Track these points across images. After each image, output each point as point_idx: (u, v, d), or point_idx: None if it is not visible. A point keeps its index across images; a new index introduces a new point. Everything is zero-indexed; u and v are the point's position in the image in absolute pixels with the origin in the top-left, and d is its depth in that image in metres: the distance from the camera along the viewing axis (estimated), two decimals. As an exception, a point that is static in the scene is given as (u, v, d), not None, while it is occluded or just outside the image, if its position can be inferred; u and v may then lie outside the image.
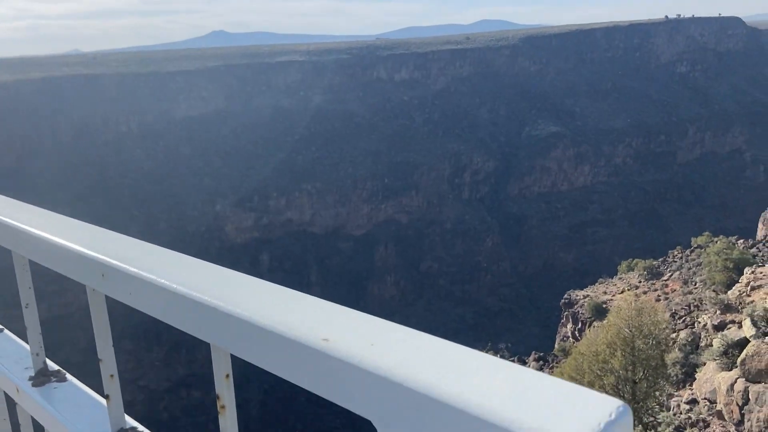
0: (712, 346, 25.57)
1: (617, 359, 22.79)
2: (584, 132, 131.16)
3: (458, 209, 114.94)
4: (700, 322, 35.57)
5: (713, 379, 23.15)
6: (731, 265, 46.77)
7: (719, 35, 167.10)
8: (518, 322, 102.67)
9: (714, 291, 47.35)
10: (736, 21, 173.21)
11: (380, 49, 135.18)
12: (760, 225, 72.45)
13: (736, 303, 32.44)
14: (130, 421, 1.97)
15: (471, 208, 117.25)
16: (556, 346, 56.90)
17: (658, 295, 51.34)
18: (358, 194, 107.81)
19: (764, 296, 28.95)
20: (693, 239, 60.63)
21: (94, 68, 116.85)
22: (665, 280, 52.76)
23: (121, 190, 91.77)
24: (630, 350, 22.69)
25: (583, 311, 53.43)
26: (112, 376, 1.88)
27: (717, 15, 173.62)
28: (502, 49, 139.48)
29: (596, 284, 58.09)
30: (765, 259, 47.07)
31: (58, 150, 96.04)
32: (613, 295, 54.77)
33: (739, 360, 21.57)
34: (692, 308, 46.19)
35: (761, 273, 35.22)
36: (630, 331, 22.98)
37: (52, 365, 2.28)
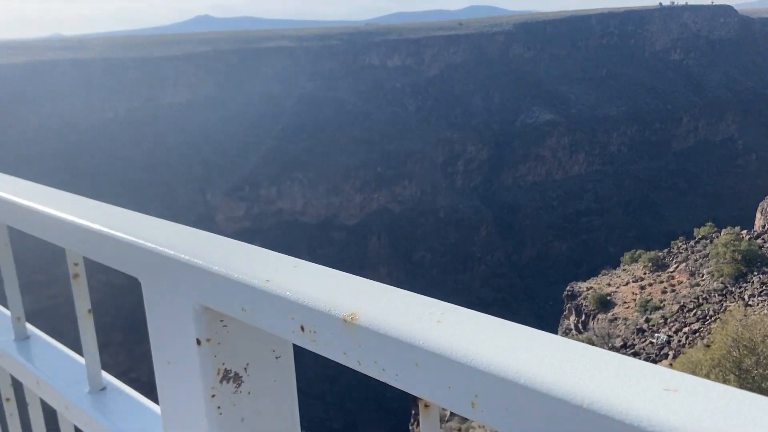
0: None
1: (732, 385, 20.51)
2: (579, 120, 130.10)
3: (452, 198, 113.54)
4: None
5: None
6: (739, 257, 45.92)
7: (712, 23, 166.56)
8: (513, 313, 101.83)
9: (722, 283, 46.49)
10: (728, 9, 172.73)
11: (372, 35, 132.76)
12: (758, 215, 71.73)
13: None
14: (108, 378, 2.10)
15: (465, 197, 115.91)
16: (558, 339, 55.78)
17: (665, 288, 50.40)
18: (350, 183, 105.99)
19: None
20: (696, 230, 59.76)
21: (79, 53, 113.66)
22: (671, 272, 51.85)
23: (109, 178, 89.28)
24: (741, 373, 20.01)
25: (587, 303, 52.44)
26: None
27: (710, 3, 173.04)
28: (496, 35, 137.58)
29: (599, 276, 57.11)
30: (774, 251, 46.16)
31: (44, 136, 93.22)
32: (618, 287, 53.83)
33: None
34: (701, 301, 45.29)
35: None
36: (739, 351, 20.42)
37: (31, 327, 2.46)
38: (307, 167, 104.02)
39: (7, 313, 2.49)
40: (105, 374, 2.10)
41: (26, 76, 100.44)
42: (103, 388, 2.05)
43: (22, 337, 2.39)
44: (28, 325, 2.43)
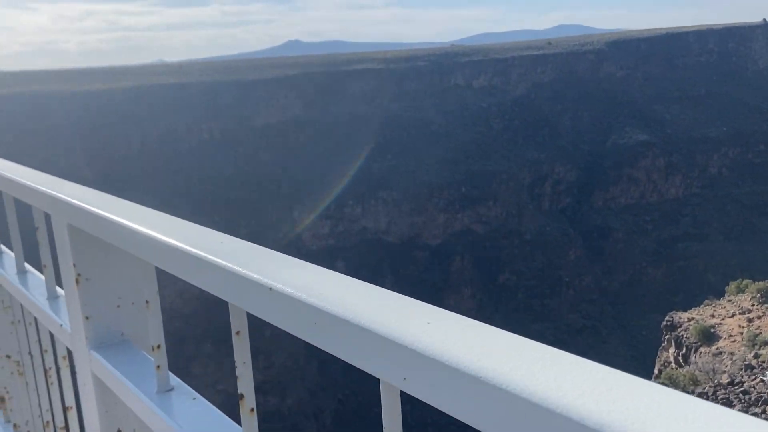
0: None
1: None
2: (675, 141, 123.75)
3: (538, 220, 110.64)
4: None
5: None
6: None
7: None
8: (602, 341, 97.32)
9: None
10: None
11: (458, 56, 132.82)
12: None
13: None
14: (175, 379, 2.32)
15: (552, 220, 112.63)
16: (656, 371, 52.59)
17: (776, 321, 46.48)
18: (434, 203, 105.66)
19: None
20: (811, 259, 54.95)
21: (179, 77, 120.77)
22: (784, 305, 47.76)
23: (204, 196, 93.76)
24: None
25: (688, 335, 49.16)
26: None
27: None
28: (586, 54, 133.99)
29: (702, 306, 53.50)
30: None
31: (146, 156, 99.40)
32: (723, 319, 50.18)
33: None
34: (820, 338, 41.32)
35: None
36: None
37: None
38: (391, 186, 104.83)
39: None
40: (173, 376, 2.28)
41: (132, 99, 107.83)
42: (171, 389, 2.23)
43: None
44: None
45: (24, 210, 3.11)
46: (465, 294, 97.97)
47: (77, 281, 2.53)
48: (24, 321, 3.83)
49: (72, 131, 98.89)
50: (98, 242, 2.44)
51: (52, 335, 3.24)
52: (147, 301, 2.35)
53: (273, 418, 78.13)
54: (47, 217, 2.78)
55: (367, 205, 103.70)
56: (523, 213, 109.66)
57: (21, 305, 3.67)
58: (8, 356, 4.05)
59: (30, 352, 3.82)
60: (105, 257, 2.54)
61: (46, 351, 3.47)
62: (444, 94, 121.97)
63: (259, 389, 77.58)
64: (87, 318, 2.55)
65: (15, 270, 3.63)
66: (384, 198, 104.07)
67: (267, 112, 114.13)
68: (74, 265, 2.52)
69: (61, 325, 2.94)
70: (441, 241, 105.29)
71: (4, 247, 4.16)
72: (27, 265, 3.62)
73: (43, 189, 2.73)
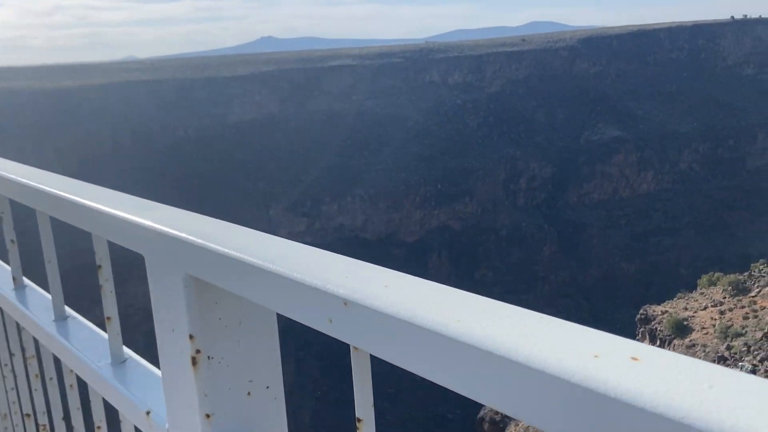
0: None
1: None
2: (647, 136, 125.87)
3: (514, 216, 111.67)
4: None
5: None
6: (833, 283, 42.94)
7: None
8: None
9: (813, 310, 43.52)
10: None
11: (432, 52, 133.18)
12: None
13: None
14: (128, 352, 2.36)
15: (527, 215, 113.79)
16: (630, 364, 53.42)
17: (746, 313, 47.62)
18: (410, 200, 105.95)
19: None
20: (779, 252, 56.44)
21: (152, 74, 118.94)
22: (753, 297, 48.99)
23: (178, 195, 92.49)
24: None
25: (662, 328, 50.12)
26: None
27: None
28: (559, 50, 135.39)
29: (675, 299, 54.55)
30: None
31: (118, 155, 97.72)
32: (695, 312, 51.24)
33: None
34: (789, 329, 42.50)
35: None
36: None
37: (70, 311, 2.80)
38: (368, 183, 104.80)
39: (48, 296, 2.81)
40: (126, 349, 2.34)
41: (103, 96, 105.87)
42: (124, 361, 2.29)
43: (61, 318, 2.69)
44: (66, 307, 2.74)
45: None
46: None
47: None
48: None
49: (41, 130, 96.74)
50: None
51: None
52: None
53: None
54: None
55: (343, 203, 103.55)
56: (499, 209, 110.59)
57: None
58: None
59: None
60: None
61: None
62: (419, 91, 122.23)
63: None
64: None
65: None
66: (361, 195, 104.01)
67: (242, 109, 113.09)
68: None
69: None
70: (418, 237, 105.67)
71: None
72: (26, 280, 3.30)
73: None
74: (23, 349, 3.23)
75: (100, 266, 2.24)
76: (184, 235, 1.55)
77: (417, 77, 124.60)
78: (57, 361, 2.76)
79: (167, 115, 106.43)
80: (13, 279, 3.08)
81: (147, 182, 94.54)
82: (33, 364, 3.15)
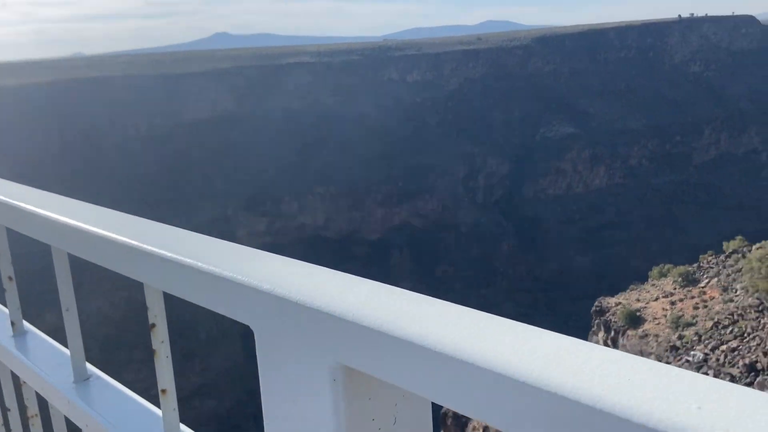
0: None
1: None
2: (599, 133, 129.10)
3: (473, 213, 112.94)
4: None
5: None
6: (776, 272, 44.78)
7: (733, 34, 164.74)
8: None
9: (757, 299, 45.37)
10: (749, 20, 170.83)
11: (391, 50, 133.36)
12: (789, 228, 70.41)
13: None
14: (92, 369, 2.24)
15: (486, 212, 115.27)
16: (587, 355, 54.67)
17: (696, 303, 49.24)
18: (372, 198, 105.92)
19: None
20: (725, 244, 58.57)
21: (101, 71, 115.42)
22: (702, 287, 50.68)
23: (131, 194, 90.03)
24: None
25: (616, 319, 51.40)
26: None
27: (730, 14, 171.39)
28: (514, 49, 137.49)
29: (628, 291, 56.03)
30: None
31: (67, 155, 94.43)
32: (647, 303, 52.72)
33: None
34: (736, 317, 44.19)
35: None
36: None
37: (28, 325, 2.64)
38: (328, 182, 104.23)
39: (6, 311, 2.64)
40: (90, 366, 2.21)
41: (50, 94, 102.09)
42: (87, 378, 2.17)
43: (20, 333, 2.53)
44: (25, 322, 2.57)
45: None
46: (403, 287, 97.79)
47: None
48: None
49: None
50: None
51: None
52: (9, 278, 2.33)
53: (211, 421, 76.31)
54: None
55: (304, 201, 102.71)
56: (459, 206, 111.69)
57: None
58: None
59: None
60: None
61: None
62: (379, 89, 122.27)
63: (196, 393, 75.40)
64: None
65: None
66: (321, 194, 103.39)
67: (197, 106, 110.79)
68: None
69: None
70: (380, 235, 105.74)
71: None
72: None
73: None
74: None
75: (154, 324, 1.81)
76: (332, 309, 1.07)
77: (376, 75, 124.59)
78: (15, 378, 2.61)
79: (117, 113, 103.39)
80: None
81: (97, 183, 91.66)
82: None
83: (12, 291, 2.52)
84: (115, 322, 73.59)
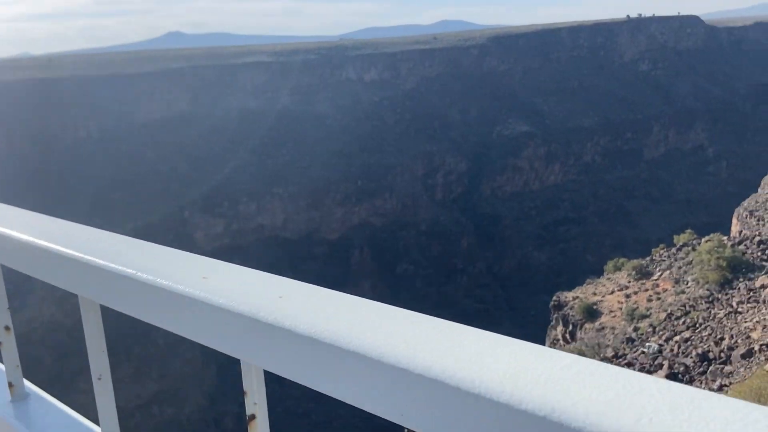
0: None
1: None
2: (554, 131, 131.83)
3: (432, 210, 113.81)
4: None
5: None
6: (724, 264, 46.54)
7: (679, 34, 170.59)
8: (496, 324, 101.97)
9: (708, 290, 47.12)
10: (694, 20, 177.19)
11: (348, 50, 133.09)
12: (734, 221, 73.01)
13: None
14: (31, 387, 2.16)
15: (445, 209, 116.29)
16: (547, 349, 55.71)
17: (650, 296, 50.77)
18: (331, 197, 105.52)
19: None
20: (675, 237, 60.56)
21: (48, 71, 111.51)
22: (655, 280, 52.32)
23: (83, 198, 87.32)
24: None
25: (574, 313, 52.56)
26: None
27: (676, 14, 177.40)
28: (469, 48, 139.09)
29: (584, 285, 57.37)
30: (756, 257, 46.99)
31: (14, 158, 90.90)
32: (603, 296, 54.10)
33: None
34: (688, 308, 45.77)
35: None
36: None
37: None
38: (287, 182, 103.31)
39: None
40: (29, 384, 2.12)
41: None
42: (26, 397, 2.08)
43: None
44: None
45: None
46: (365, 286, 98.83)
47: None
48: None
49: None
50: None
51: None
52: None
53: (170, 427, 74.78)
54: None
55: (262, 202, 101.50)
56: (418, 204, 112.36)
57: None
58: None
59: None
60: None
61: None
62: (336, 88, 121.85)
63: (154, 400, 73.66)
64: None
65: None
66: (280, 194, 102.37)
67: (149, 107, 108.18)
68: None
69: None
70: (339, 235, 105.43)
71: None
72: None
73: None
74: None
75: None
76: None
77: (333, 74, 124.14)
78: None
79: (66, 114, 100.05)
80: None
81: (46, 187, 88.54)
82: None
83: None
84: (67, 329, 71.27)
